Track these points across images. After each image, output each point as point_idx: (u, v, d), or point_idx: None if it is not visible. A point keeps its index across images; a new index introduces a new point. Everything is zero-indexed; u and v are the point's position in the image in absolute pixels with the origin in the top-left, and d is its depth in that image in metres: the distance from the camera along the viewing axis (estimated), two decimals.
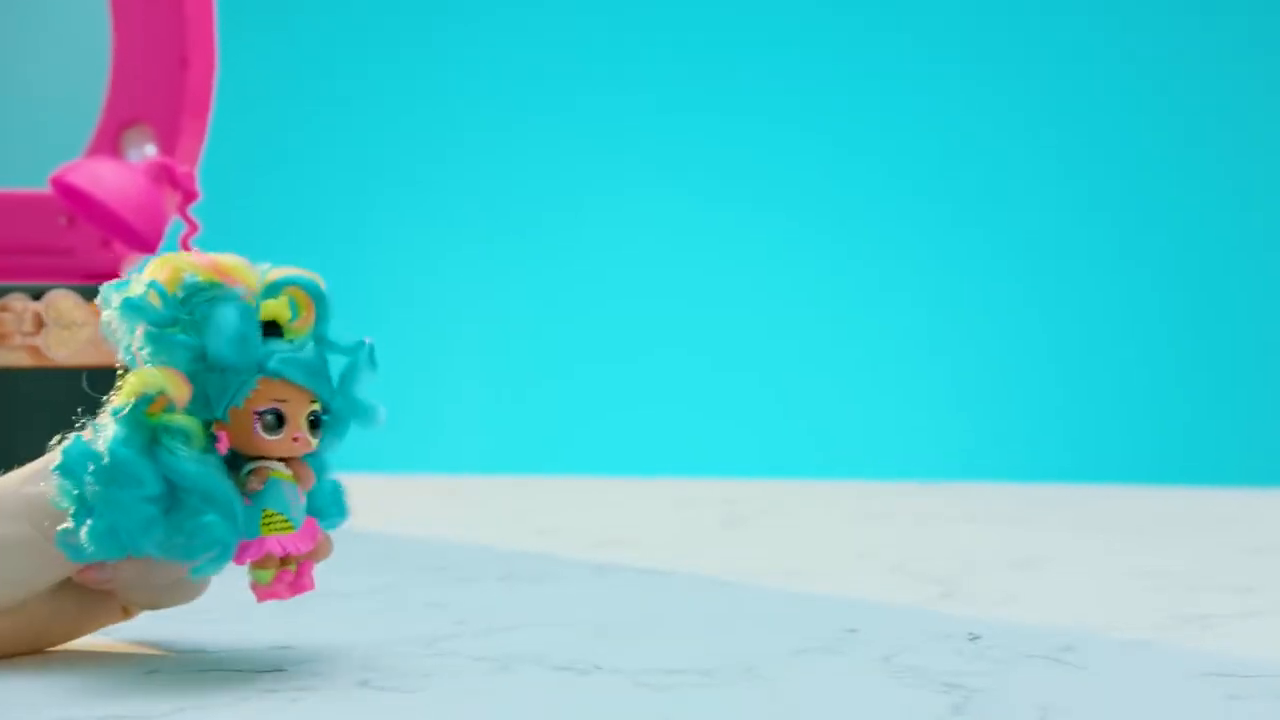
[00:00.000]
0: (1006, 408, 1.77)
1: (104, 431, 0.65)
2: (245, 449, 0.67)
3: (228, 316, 0.66)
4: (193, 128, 1.14)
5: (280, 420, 0.67)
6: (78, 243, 1.13)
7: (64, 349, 1.02)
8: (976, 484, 1.65)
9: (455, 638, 0.78)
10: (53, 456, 0.67)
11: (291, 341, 0.68)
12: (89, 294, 1.03)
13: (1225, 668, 0.72)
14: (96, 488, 0.64)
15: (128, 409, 0.64)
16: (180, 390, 0.65)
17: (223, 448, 0.67)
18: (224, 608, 0.84)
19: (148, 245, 1.08)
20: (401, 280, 1.83)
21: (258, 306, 0.67)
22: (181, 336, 0.65)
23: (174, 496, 0.65)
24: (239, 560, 0.67)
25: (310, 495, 0.69)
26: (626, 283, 1.82)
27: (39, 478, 0.67)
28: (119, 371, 0.67)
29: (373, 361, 0.70)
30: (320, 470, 0.70)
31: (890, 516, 1.38)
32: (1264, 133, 1.74)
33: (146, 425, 0.65)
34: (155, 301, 0.66)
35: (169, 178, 1.08)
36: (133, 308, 0.66)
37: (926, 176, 1.78)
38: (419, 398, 1.81)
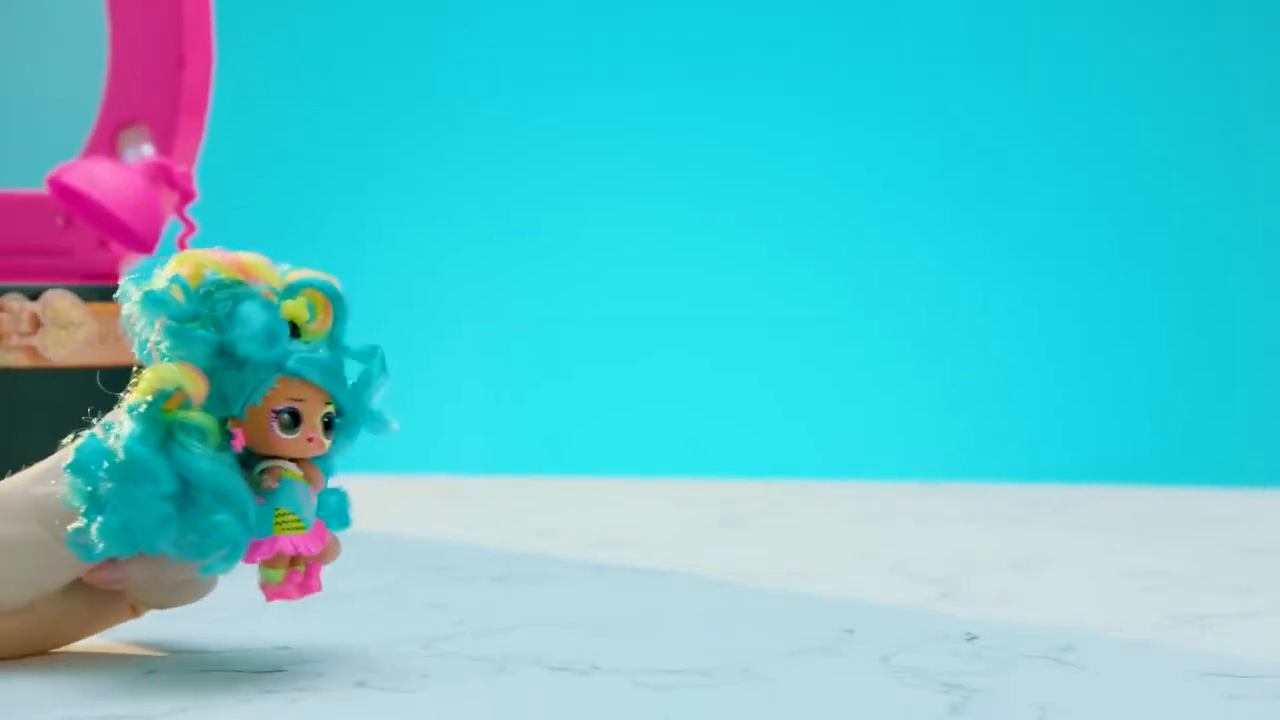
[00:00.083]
0: (1006, 408, 1.77)
1: (119, 428, 0.65)
2: (260, 447, 0.67)
3: (255, 312, 0.66)
4: (190, 127, 1.13)
5: (296, 420, 0.67)
6: (75, 243, 1.13)
7: (61, 349, 1.02)
8: (976, 484, 1.65)
9: (454, 638, 0.78)
10: (62, 456, 0.67)
11: (308, 343, 0.68)
12: (86, 294, 1.03)
13: (1225, 668, 0.72)
14: (110, 484, 0.64)
15: (144, 405, 0.64)
16: (198, 386, 0.65)
17: (238, 445, 0.67)
18: (224, 608, 0.84)
19: (145, 245, 1.07)
20: (401, 280, 1.83)
21: (278, 306, 0.67)
22: (202, 332, 0.65)
23: (187, 494, 0.65)
24: (250, 559, 0.67)
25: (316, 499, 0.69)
26: (626, 283, 1.82)
27: (47, 478, 0.67)
28: (135, 369, 0.67)
29: (385, 368, 0.70)
30: (325, 473, 0.70)
31: (889, 516, 1.38)
32: (1264, 133, 1.74)
33: (162, 421, 0.65)
34: (177, 296, 0.66)
35: (166, 178, 1.08)
36: (154, 301, 0.66)
37: (926, 177, 1.78)
38: (419, 398, 1.81)
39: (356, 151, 1.85)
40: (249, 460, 0.67)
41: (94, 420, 0.67)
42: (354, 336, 0.70)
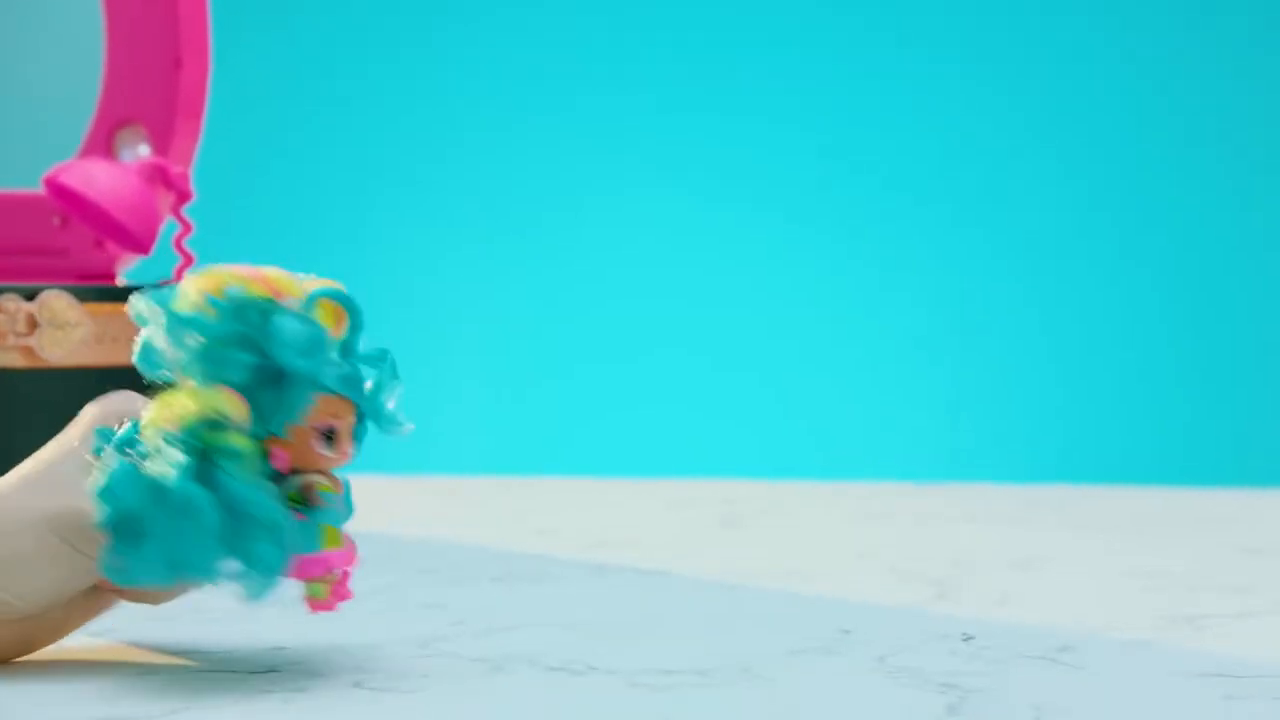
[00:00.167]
0: (1006, 408, 1.77)
1: (159, 458, 0.64)
2: (301, 464, 0.67)
3: (296, 327, 0.65)
4: (186, 128, 1.13)
5: (335, 435, 0.67)
6: (71, 243, 1.13)
7: (58, 349, 1.02)
8: (974, 485, 1.65)
9: (452, 638, 0.78)
10: (57, 456, 0.66)
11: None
12: (83, 294, 1.03)
13: (1222, 668, 0.72)
14: (151, 515, 0.64)
15: (184, 432, 0.64)
16: (239, 411, 0.64)
17: (283, 465, 0.66)
18: (220, 609, 0.84)
19: (141, 246, 1.07)
20: (401, 280, 1.83)
21: (315, 319, 0.67)
22: (240, 353, 0.65)
23: (232, 523, 0.64)
24: (302, 576, 0.67)
25: None
26: (626, 283, 1.82)
27: (55, 488, 0.66)
28: (148, 384, 0.66)
29: (397, 373, 0.70)
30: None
31: (888, 517, 1.38)
32: (1264, 133, 1.74)
33: (201, 448, 0.64)
34: (210, 315, 0.65)
35: (163, 178, 1.08)
36: (184, 322, 0.65)
37: (926, 177, 1.78)
38: (418, 398, 1.81)
39: (356, 152, 1.85)
40: (278, 476, 0.67)
41: (107, 441, 0.66)
42: (372, 344, 0.70)
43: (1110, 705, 0.65)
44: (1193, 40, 1.74)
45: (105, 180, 1.05)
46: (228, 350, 0.64)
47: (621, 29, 1.82)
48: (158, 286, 0.67)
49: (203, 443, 0.64)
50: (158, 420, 0.64)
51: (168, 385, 0.67)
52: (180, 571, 0.64)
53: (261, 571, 0.65)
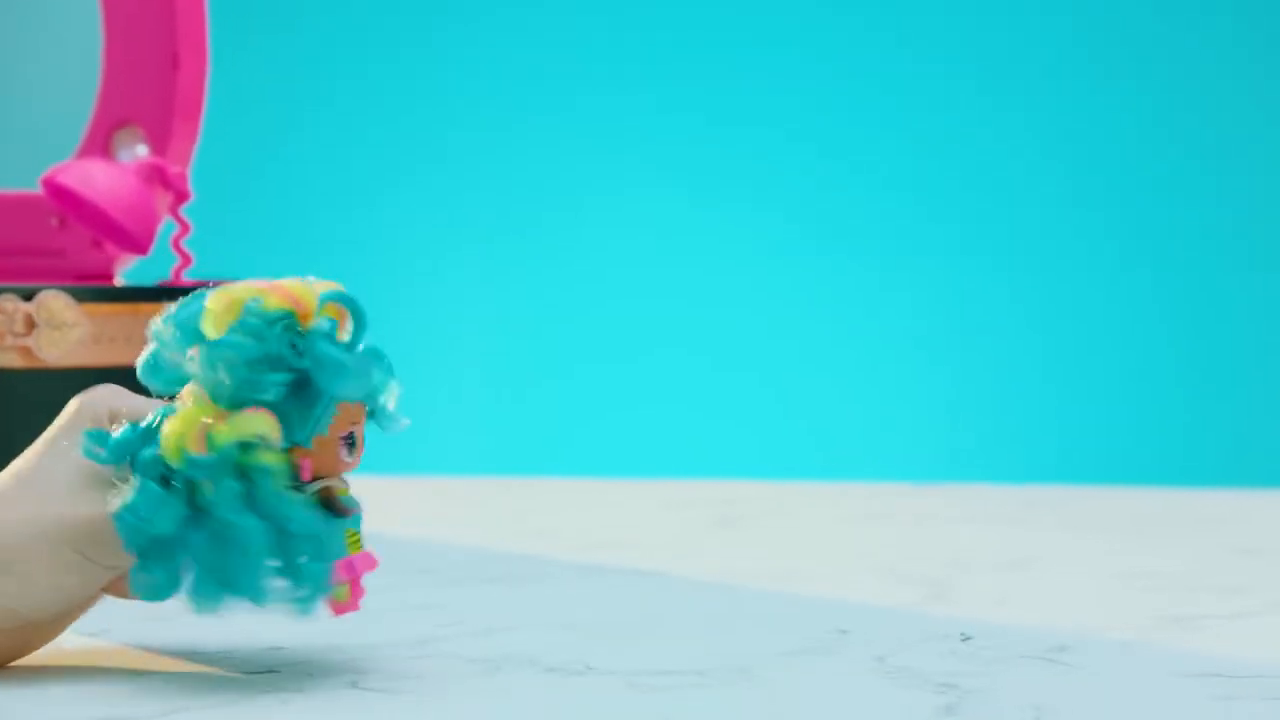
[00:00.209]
0: (1002, 410, 1.77)
1: (205, 486, 0.64)
2: (324, 472, 0.67)
3: (340, 353, 0.65)
4: (184, 128, 1.13)
5: (354, 441, 0.67)
6: (69, 244, 1.13)
7: (55, 350, 1.02)
8: (971, 485, 1.65)
9: (447, 639, 0.78)
10: (59, 468, 0.66)
11: None
12: (80, 295, 1.03)
13: (1217, 668, 0.72)
14: (199, 544, 0.64)
15: (217, 454, 0.64)
16: (275, 430, 0.64)
17: (308, 475, 0.66)
18: None
19: (139, 246, 1.07)
20: (400, 280, 1.83)
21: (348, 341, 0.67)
22: (271, 374, 0.64)
23: (279, 542, 0.64)
24: (333, 582, 0.67)
25: None
26: (626, 283, 1.82)
27: (61, 497, 0.66)
28: (177, 405, 0.66)
29: (393, 371, 0.70)
30: None
31: (886, 517, 1.38)
32: (1262, 133, 1.74)
33: (237, 467, 0.64)
34: (247, 340, 0.64)
35: (160, 178, 1.08)
36: (224, 347, 0.64)
37: (925, 178, 1.78)
38: (418, 398, 1.81)
39: (354, 152, 1.85)
40: (301, 485, 0.67)
41: (101, 444, 0.66)
42: (368, 343, 0.70)
43: (1106, 705, 0.65)
44: (1192, 41, 1.74)
45: (103, 180, 1.05)
46: (260, 373, 0.64)
47: (621, 29, 1.82)
48: (167, 288, 0.67)
49: (238, 463, 0.64)
50: (184, 442, 0.64)
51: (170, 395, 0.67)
52: (231, 594, 0.64)
53: (311, 586, 0.65)
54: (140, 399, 0.68)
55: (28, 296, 1.02)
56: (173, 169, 1.09)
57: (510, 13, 1.83)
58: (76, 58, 1.18)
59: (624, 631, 0.82)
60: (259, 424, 0.64)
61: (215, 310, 0.65)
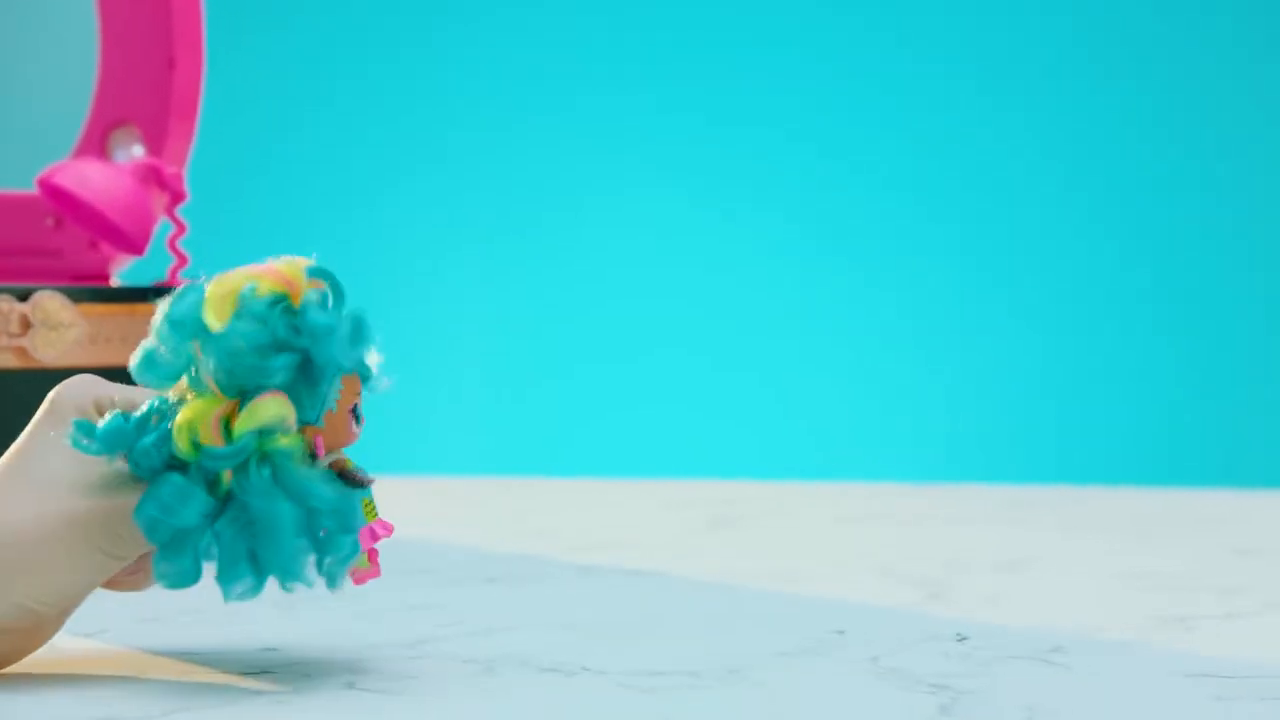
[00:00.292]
0: (1001, 409, 1.77)
1: (228, 475, 0.64)
2: (333, 446, 0.68)
3: (334, 320, 0.66)
4: (180, 128, 1.13)
5: (358, 412, 0.68)
6: (65, 244, 1.13)
7: (51, 350, 1.02)
8: (967, 485, 1.65)
9: (444, 639, 0.78)
10: (55, 460, 0.66)
11: None
12: (76, 295, 1.03)
13: (1212, 669, 0.72)
14: (235, 540, 0.64)
15: (238, 440, 0.64)
16: (291, 413, 0.65)
17: (322, 451, 0.67)
18: (212, 610, 0.84)
19: (135, 247, 1.07)
20: (400, 280, 1.83)
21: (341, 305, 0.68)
22: (278, 357, 0.65)
23: (308, 521, 0.65)
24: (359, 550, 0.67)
25: None
26: (626, 283, 1.82)
27: (66, 489, 0.65)
28: (177, 397, 0.66)
29: (374, 332, 0.70)
30: None
31: (882, 518, 1.38)
32: (1260, 133, 1.74)
33: (258, 453, 0.64)
34: (251, 328, 0.64)
35: (157, 179, 1.08)
36: (220, 339, 0.64)
37: (924, 179, 1.78)
38: (418, 398, 1.81)
39: (353, 152, 1.85)
40: (315, 461, 0.67)
41: (90, 435, 0.66)
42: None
43: (1102, 706, 0.65)
44: (1192, 41, 1.74)
45: (99, 181, 1.05)
46: (267, 358, 0.64)
47: (621, 29, 1.82)
48: (163, 288, 0.67)
49: (258, 448, 0.64)
50: (198, 435, 0.64)
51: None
52: (263, 576, 0.65)
53: (340, 557, 0.65)
54: (120, 387, 0.68)
55: (23, 297, 1.02)
56: (169, 169, 1.09)
57: (510, 13, 1.83)
58: (73, 58, 1.18)
59: (622, 632, 0.82)
60: (275, 408, 0.64)
61: (214, 301, 0.65)
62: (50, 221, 1.13)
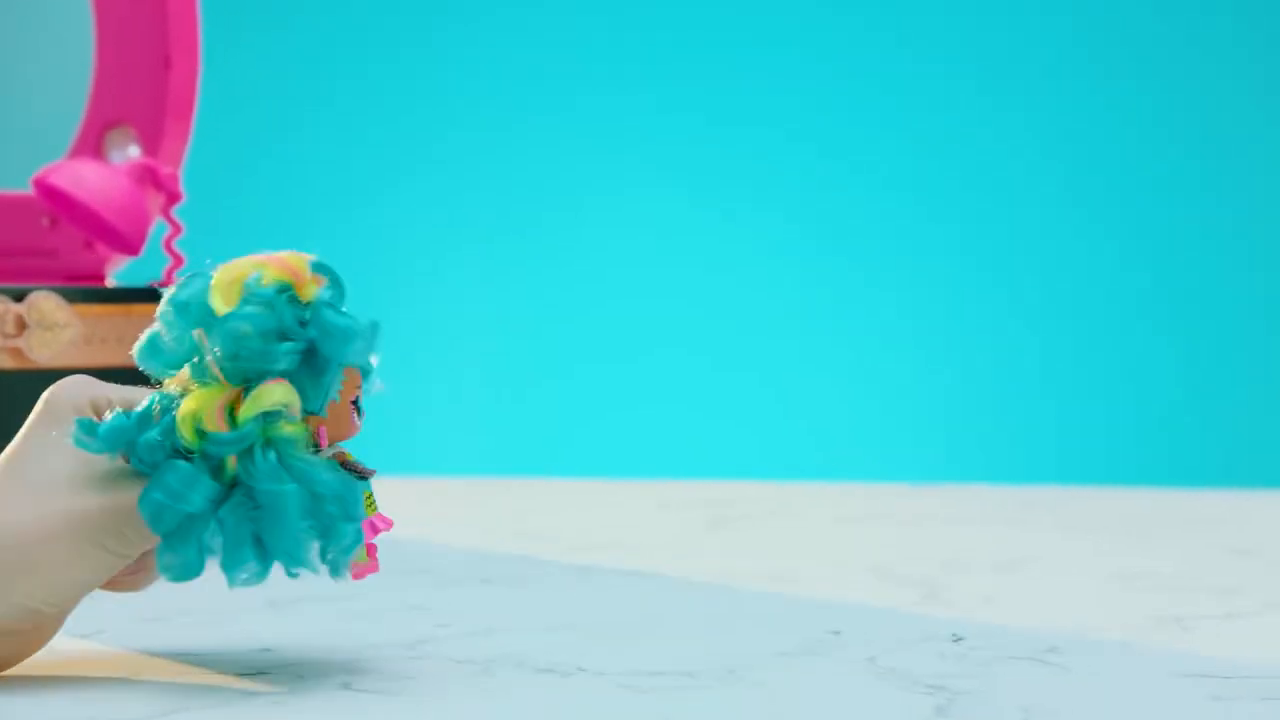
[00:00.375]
0: (999, 410, 1.77)
1: (232, 462, 0.64)
2: (335, 437, 0.68)
3: (348, 322, 0.66)
4: (176, 129, 1.13)
5: (359, 405, 0.69)
6: (60, 244, 1.13)
7: (46, 350, 1.02)
8: (964, 485, 1.65)
9: (441, 640, 0.78)
10: (55, 460, 0.66)
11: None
12: (72, 295, 1.03)
13: (1209, 669, 0.72)
14: (240, 526, 0.64)
15: (242, 427, 0.64)
16: (296, 400, 0.65)
17: (325, 442, 0.67)
18: (207, 611, 0.84)
19: (130, 247, 1.07)
20: (399, 280, 1.83)
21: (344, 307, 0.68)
22: (282, 344, 0.65)
23: (313, 508, 0.65)
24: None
25: None
26: (626, 283, 1.82)
27: (66, 488, 0.65)
28: (178, 388, 0.66)
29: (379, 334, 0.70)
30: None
31: (879, 518, 1.38)
32: (1259, 133, 1.74)
33: (263, 440, 0.65)
34: (261, 312, 0.65)
35: (152, 179, 1.08)
36: (226, 323, 0.65)
37: (924, 179, 1.78)
38: (417, 398, 1.81)
39: (351, 152, 1.85)
40: (318, 451, 0.67)
41: (91, 433, 0.66)
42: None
43: (1098, 706, 0.65)
44: (1192, 41, 1.74)
45: (95, 181, 1.05)
46: (273, 343, 0.64)
47: (621, 29, 1.82)
48: (161, 286, 0.67)
49: (262, 435, 0.64)
50: (202, 422, 0.64)
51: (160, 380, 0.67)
52: (268, 562, 0.65)
53: (342, 545, 0.65)
54: (115, 387, 0.68)
55: (19, 297, 1.02)
56: (165, 170, 1.09)
57: (510, 13, 1.83)
58: (68, 58, 1.18)
59: (621, 632, 0.81)
60: (279, 394, 0.64)
61: (220, 287, 0.65)
62: (46, 222, 1.13)
